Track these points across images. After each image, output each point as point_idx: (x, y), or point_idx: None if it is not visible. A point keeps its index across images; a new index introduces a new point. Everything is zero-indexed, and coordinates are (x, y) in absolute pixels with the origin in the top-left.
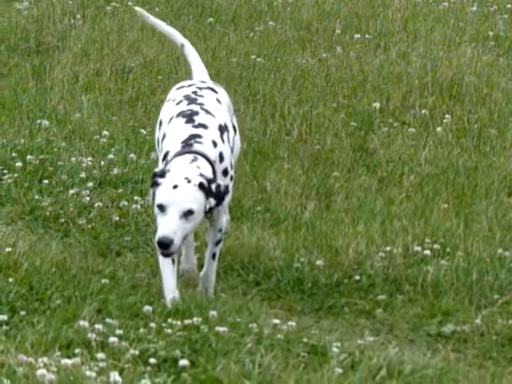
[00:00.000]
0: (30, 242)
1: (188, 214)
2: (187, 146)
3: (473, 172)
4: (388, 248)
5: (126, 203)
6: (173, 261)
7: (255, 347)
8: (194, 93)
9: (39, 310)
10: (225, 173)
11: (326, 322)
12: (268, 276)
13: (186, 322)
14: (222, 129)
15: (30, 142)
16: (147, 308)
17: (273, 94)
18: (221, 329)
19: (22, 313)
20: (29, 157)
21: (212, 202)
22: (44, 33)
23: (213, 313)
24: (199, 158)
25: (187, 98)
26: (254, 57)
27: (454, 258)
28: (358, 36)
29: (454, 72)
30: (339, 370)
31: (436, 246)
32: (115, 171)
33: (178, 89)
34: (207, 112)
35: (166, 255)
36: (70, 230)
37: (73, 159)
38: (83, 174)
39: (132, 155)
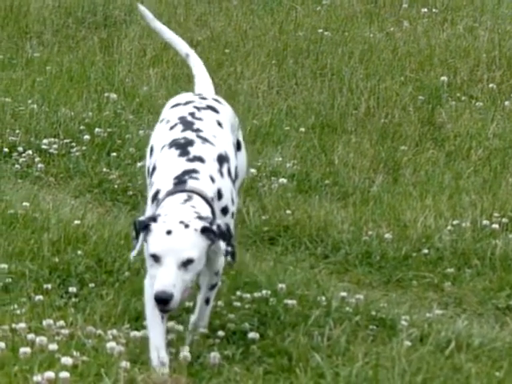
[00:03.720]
0: (98, 214)
1: (187, 263)
2: (180, 183)
3: None
4: (456, 222)
5: None
6: (162, 317)
7: (324, 320)
8: (192, 114)
9: (108, 282)
10: (224, 211)
11: (394, 295)
12: (336, 249)
13: (255, 294)
14: (222, 159)
15: (98, 115)
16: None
17: (340, 67)
18: (289, 301)
19: (91, 285)
20: (97, 130)
21: (223, 245)
22: (111, 6)
23: (281, 286)
24: (194, 196)
25: (183, 121)
26: (321, 31)
27: None
28: (425, 10)
29: None
30: (408, 343)
31: (504, 220)
32: None
33: (172, 107)
34: (205, 141)
35: (164, 312)
36: (139, 203)
37: (141, 132)
38: None
39: None
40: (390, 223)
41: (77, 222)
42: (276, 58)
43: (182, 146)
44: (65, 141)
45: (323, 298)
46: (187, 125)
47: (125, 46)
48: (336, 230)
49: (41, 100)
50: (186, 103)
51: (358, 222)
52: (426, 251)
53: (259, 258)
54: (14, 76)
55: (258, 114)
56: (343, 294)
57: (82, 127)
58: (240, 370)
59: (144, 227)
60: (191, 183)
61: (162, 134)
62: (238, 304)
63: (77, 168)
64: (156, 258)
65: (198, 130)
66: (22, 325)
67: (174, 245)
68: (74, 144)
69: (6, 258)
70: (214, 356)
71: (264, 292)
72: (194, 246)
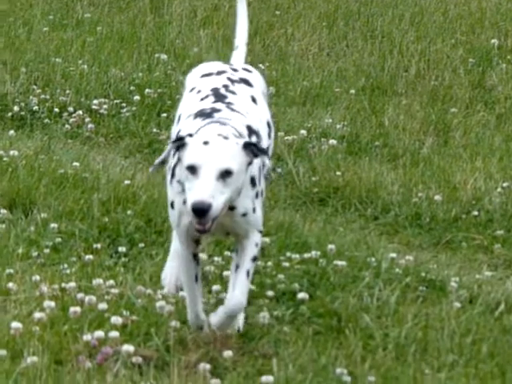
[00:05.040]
0: (148, 174)
1: (226, 174)
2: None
3: None
4: (506, 184)
5: None
6: (196, 278)
7: (373, 281)
8: (225, 87)
9: (157, 242)
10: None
11: (443, 256)
12: (386, 210)
13: (305, 255)
14: (252, 131)
15: (149, 76)
16: (265, 241)
17: (391, 30)
18: (339, 263)
19: (141, 245)
20: (147, 90)
21: (268, 161)
22: None
23: (331, 247)
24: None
25: (215, 93)
26: None
27: None
28: None
29: None
30: (457, 305)
31: None
32: None
33: (203, 76)
34: (234, 110)
35: (202, 230)
36: None
37: None
38: None
39: None
40: (439, 185)
41: (127, 182)
42: (327, 19)
43: (208, 114)
44: (115, 101)
45: (373, 260)
46: (219, 97)
47: (175, 6)
48: (386, 191)
49: (91, 60)
50: (219, 73)
51: (407, 183)
52: (475, 213)
53: (309, 219)
54: (65, 36)
55: (309, 76)
56: (393, 255)
57: (132, 88)
58: (289, 331)
59: (179, 143)
60: (220, 117)
61: (191, 104)
62: (287, 265)
63: (127, 128)
64: (192, 170)
65: (229, 104)
66: (72, 284)
67: (212, 154)
68: (124, 104)
69: (56, 217)
70: (264, 316)
71: (314, 253)
72: (233, 157)
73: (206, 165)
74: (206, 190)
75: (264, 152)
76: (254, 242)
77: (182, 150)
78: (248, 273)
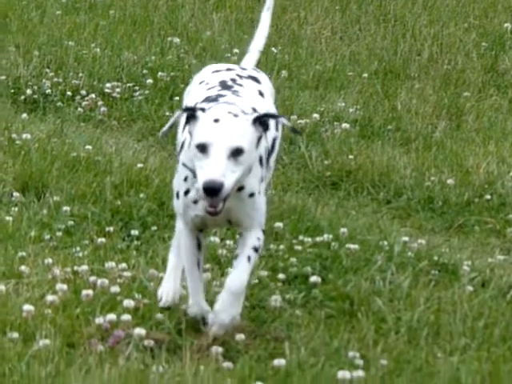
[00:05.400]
0: (160, 158)
1: (237, 153)
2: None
3: None
4: None
5: None
6: (198, 265)
7: (386, 265)
8: (233, 80)
9: (170, 225)
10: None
11: (456, 240)
12: (398, 194)
13: (317, 239)
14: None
15: (161, 59)
16: (278, 225)
17: (403, 13)
18: (351, 246)
19: (153, 228)
20: (160, 74)
21: (286, 121)
22: None
23: (343, 230)
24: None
25: (223, 84)
26: None
27: None
28: None
29: None
30: (470, 288)
31: None
32: None
33: (213, 72)
34: (238, 96)
35: (213, 212)
36: None
37: None
38: None
39: None
40: (452, 169)
41: (139, 165)
42: (339, 3)
43: (213, 99)
44: (128, 84)
45: (385, 243)
46: (226, 87)
47: None
48: (398, 175)
49: (104, 44)
50: (228, 70)
51: (420, 167)
52: (488, 197)
53: (321, 203)
54: (78, 20)
55: (321, 60)
56: (405, 239)
57: (144, 71)
58: (301, 314)
59: (190, 112)
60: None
61: (197, 94)
62: (299, 248)
63: (139, 112)
64: (203, 148)
65: (235, 91)
66: (85, 267)
67: (222, 132)
68: (136, 88)
69: (68, 200)
70: (276, 299)
71: (326, 236)
72: (243, 135)
73: (217, 143)
74: (217, 168)
75: (278, 116)
76: (255, 236)
77: (193, 124)
78: (249, 258)
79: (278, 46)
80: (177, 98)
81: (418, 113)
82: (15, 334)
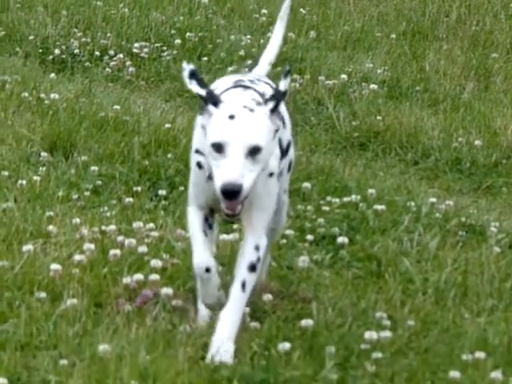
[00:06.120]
0: (188, 118)
1: (254, 151)
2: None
3: None
4: None
5: None
6: (205, 232)
7: (413, 225)
8: (251, 82)
9: None
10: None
11: (483, 201)
12: (426, 155)
13: (345, 199)
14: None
15: (190, 20)
16: (306, 185)
17: None
18: (379, 207)
19: (181, 188)
20: (188, 34)
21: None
22: None
23: (371, 191)
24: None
25: (237, 82)
26: None
27: None
28: None
29: None
30: (497, 250)
31: None
32: None
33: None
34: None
35: (232, 215)
36: None
37: (232, 37)
38: (242, 52)
39: (291, 34)
40: (480, 130)
41: (167, 125)
42: None
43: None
44: (156, 45)
45: (413, 204)
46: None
47: None
48: (426, 136)
49: (132, 4)
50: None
51: (448, 128)
52: None
53: (349, 164)
54: None
55: (350, 21)
56: (433, 200)
57: (173, 31)
58: (329, 275)
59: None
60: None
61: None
62: (327, 209)
63: (167, 72)
64: (218, 148)
65: (251, 81)
66: (112, 227)
67: (239, 130)
68: (164, 48)
69: (96, 160)
70: (304, 260)
71: (354, 197)
72: (260, 131)
73: (234, 142)
74: (235, 169)
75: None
76: (254, 244)
77: (206, 118)
78: (244, 285)
79: (306, 6)
80: (205, 58)
81: (446, 74)
82: (43, 294)
